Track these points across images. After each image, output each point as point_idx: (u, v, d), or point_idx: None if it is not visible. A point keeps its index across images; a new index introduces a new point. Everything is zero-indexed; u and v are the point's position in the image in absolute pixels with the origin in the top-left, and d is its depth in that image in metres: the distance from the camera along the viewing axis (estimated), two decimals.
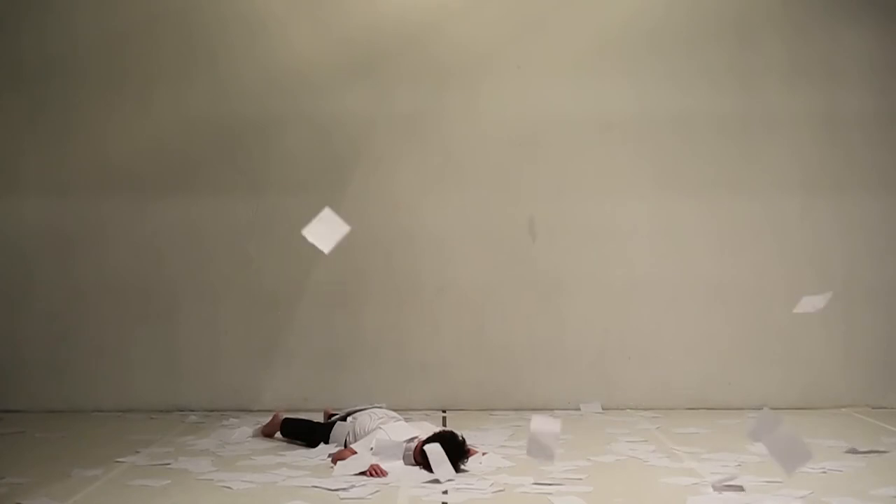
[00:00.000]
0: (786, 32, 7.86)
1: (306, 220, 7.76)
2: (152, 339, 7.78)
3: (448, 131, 7.87)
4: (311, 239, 5.10)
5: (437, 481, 5.40)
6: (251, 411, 7.60)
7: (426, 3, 7.84)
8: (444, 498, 5.12)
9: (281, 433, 6.68)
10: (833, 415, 7.50)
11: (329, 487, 5.30)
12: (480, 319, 7.79)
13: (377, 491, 5.25)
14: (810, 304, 5.45)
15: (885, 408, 7.70)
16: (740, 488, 5.19)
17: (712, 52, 7.82)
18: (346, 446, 6.09)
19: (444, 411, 7.65)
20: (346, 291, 7.76)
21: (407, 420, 6.27)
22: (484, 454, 5.95)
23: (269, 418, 6.84)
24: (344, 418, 6.39)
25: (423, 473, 5.56)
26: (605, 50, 7.88)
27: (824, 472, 5.52)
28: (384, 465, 5.64)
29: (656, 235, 7.78)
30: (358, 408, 6.46)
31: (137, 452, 6.22)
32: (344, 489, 5.26)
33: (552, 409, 7.56)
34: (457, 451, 5.64)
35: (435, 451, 5.52)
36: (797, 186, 7.82)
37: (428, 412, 7.47)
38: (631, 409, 7.63)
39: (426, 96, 7.84)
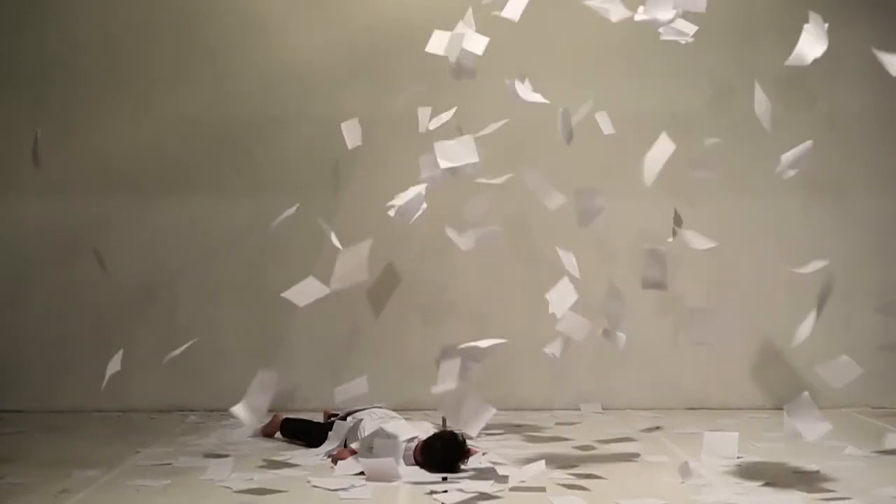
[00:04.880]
0: (786, 32, 7.85)
1: (306, 220, 7.87)
2: (152, 339, 7.78)
3: (448, 131, 7.85)
4: None
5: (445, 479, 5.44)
6: None
7: (426, 4, 7.83)
8: (444, 498, 5.12)
9: (281, 433, 6.68)
10: (833, 415, 7.48)
11: (329, 487, 5.30)
12: (481, 320, 7.78)
13: (377, 491, 5.24)
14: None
15: (885, 408, 7.70)
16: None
17: (712, 52, 7.82)
18: (345, 446, 6.09)
19: None
20: (345, 291, 7.74)
21: (407, 420, 6.27)
22: (484, 454, 5.95)
23: (270, 418, 6.84)
24: (344, 418, 6.39)
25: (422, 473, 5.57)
26: (606, 50, 7.87)
27: (824, 472, 5.51)
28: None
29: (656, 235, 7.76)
30: (358, 408, 6.46)
31: (137, 452, 6.22)
32: (344, 489, 5.26)
33: (552, 410, 7.57)
34: (457, 451, 5.64)
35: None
36: (797, 186, 7.80)
37: (428, 412, 7.46)
38: (631, 409, 7.62)
39: (426, 96, 7.82)
